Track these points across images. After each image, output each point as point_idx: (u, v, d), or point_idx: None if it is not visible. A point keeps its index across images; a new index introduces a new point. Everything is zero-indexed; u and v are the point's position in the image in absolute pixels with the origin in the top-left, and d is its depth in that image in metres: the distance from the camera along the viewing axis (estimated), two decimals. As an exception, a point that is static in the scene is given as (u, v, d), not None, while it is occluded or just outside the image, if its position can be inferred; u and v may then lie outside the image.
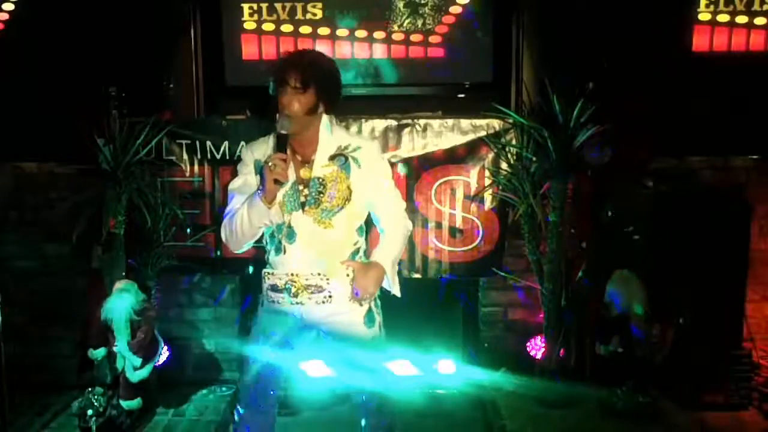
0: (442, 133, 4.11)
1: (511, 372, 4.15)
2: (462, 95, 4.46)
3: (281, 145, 2.56)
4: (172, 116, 4.14)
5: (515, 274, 4.16)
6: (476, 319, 4.36)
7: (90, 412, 3.63)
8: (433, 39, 4.41)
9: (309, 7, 4.37)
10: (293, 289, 2.67)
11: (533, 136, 3.91)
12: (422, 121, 4.11)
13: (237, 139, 4.02)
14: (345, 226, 2.68)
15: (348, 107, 4.23)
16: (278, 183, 2.52)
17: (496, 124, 4.06)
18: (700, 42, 4.33)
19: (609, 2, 4.15)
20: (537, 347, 4.08)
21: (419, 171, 4.11)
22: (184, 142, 4.10)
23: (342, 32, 4.40)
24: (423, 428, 3.75)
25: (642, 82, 4.07)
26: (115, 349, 3.68)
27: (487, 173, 4.09)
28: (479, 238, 4.12)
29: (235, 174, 2.77)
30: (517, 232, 4.08)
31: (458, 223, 4.13)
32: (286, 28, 4.40)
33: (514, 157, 4.02)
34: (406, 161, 4.11)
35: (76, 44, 4.17)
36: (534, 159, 3.93)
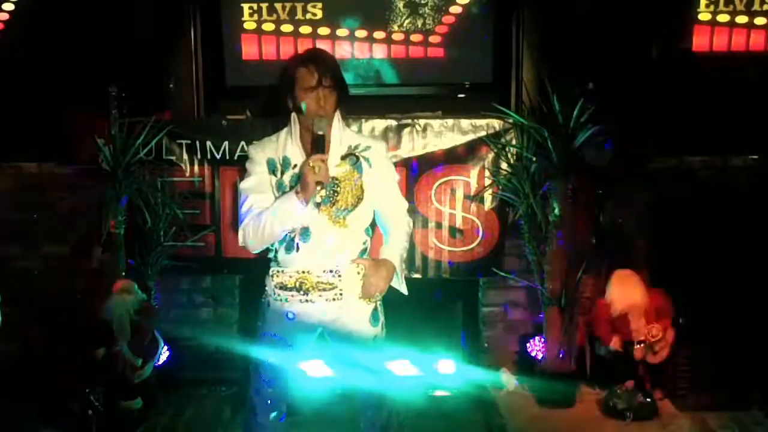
0: (442, 133, 4.11)
1: (511, 372, 4.15)
2: (462, 95, 4.46)
3: (319, 146, 2.56)
4: (172, 116, 4.15)
5: (515, 274, 4.17)
6: (476, 319, 4.36)
7: (90, 412, 3.63)
8: (433, 39, 4.41)
9: (309, 7, 4.37)
10: (304, 287, 2.68)
11: (533, 136, 3.91)
12: (422, 121, 4.11)
13: (237, 139, 4.01)
14: (357, 225, 2.71)
15: (348, 107, 4.24)
16: (320, 184, 2.52)
17: (496, 124, 4.06)
18: (700, 42, 4.34)
19: (609, 2, 4.15)
20: (537, 347, 4.08)
21: (419, 171, 4.11)
22: (184, 142, 4.10)
23: (342, 32, 4.40)
24: (423, 428, 3.74)
25: (642, 82, 4.08)
26: (115, 349, 3.68)
27: (487, 173, 4.09)
28: (479, 238, 4.12)
29: (236, 174, 2.78)
30: (517, 232, 4.08)
31: (458, 223, 4.13)
32: (286, 28, 4.40)
33: (514, 157, 4.03)
34: (406, 161, 4.11)
35: (76, 44, 4.17)
36: (534, 159, 3.93)
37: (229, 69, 4.46)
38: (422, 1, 4.39)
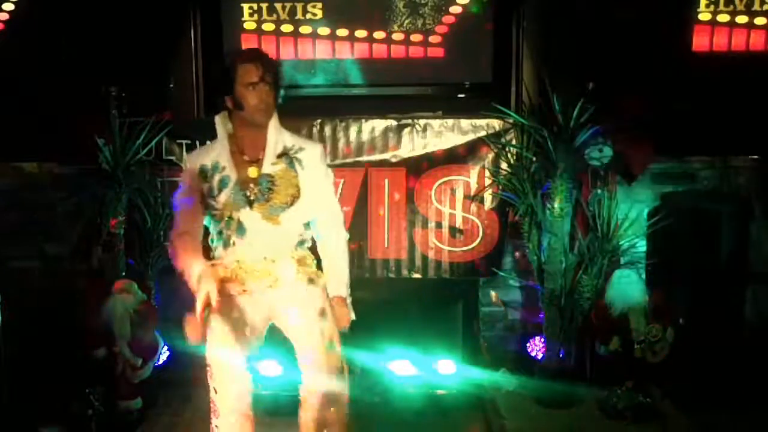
0: (442, 133, 4.11)
1: (511, 372, 4.15)
2: (462, 95, 4.46)
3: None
4: (172, 116, 4.14)
5: (515, 274, 4.16)
6: (476, 319, 4.36)
7: (90, 412, 3.63)
8: (433, 39, 4.41)
9: (309, 7, 4.37)
10: (240, 275, 2.72)
11: (533, 136, 3.91)
12: (422, 121, 4.12)
13: (237, 139, 4.02)
14: (292, 223, 2.75)
15: (348, 107, 4.25)
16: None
17: (496, 124, 4.06)
18: (700, 42, 4.33)
19: (609, 2, 4.15)
20: (537, 347, 4.08)
21: (419, 171, 4.11)
22: (184, 142, 4.10)
23: (342, 32, 4.40)
24: (423, 428, 3.75)
25: (642, 82, 4.07)
26: (115, 349, 3.68)
27: (487, 173, 4.09)
28: (479, 238, 4.12)
29: None
30: (517, 232, 4.08)
31: (458, 223, 4.13)
32: (286, 28, 4.40)
33: (514, 157, 4.03)
34: (406, 161, 4.11)
35: (76, 44, 4.17)
36: (534, 159, 3.93)
37: (230, 69, 4.45)
38: (422, 1, 4.39)
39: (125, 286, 3.74)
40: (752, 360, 3.87)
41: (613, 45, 4.06)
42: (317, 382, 2.75)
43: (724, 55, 4.33)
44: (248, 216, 2.70)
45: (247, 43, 4.40)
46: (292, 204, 2.72)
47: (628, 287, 3.81)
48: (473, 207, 4.11)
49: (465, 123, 4.09)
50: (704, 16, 4.32)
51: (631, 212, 4.09)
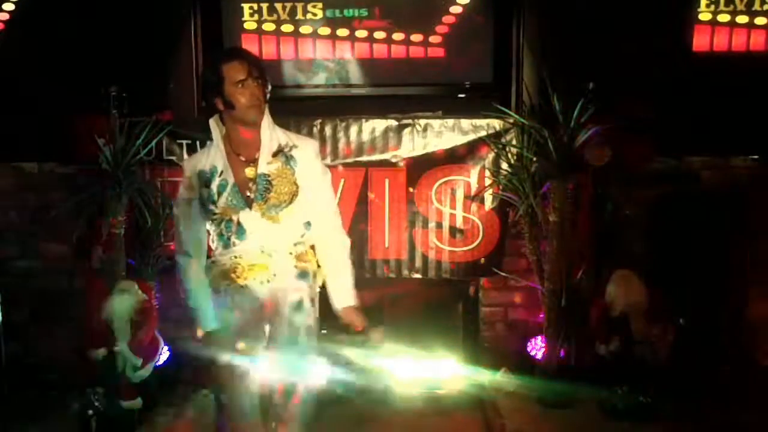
0: (442, 133, 4.12)
1: (511, 372, 4.15)
2: (462, 95, 4.46)
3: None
4: (172, 116, 4.14)
5: (515, 274, 4.16)
6: (476, 319, 4.36)
7: (90, 412, 3.63)
8: (433, 39, 4.41)
9: (309, 7, 4.37)
10: (238, 270, 2.73)
11: (533, 136, 3.91)
12: (422, 121, 4.12)
13: (237, 139, 4.03)
14: (293, 220, 2.75)
15: (348, 107, 4.25)
16: None
17: (496, 124, 4.06)
18: (700, 42, 4.33)
19: (609, 2, 4.15)
20: (537, 347, 4.07)
21: (419, 171, 4.11)
22: (184, 142, 4.10)
23: (342, 32, 4.40)
24: (423, 428, 3.75)
25: (642, 82, 4.07)
26: (115, 349, 3.68)
27: (487, 173, 4.09)
28: (479, 238, 4.12)
29: None
30: (517, 232, 4.08)
31: (458, 223, 4.13)
32: (287, 28, 4.40)
33: (515, 157, 4.02)
34: (407, 161, 4.11)
35: (76, 44, 4.17)
36: (534, 159, 3.93)
37: (230, 69, 4.45)
38: (422, 1, 4.39)
39: (125, 286, 3.74)
40: (752, 360, 3.87)
41: (613, 45, 4.06)
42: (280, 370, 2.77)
43: (724, 55, 4.33)
44: (248, 216, 2.71)
45: (248, 43, 4.40)
46: (291, 201, 2.72)
47: (628, 287, 3.81)
48: (473, 207, 4.11)
49: (465, 123, 4.10)
50: (704, 16, 4.32)
51: (630, 212, 4.08)
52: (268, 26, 4.41)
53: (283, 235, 2.75)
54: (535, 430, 3.67)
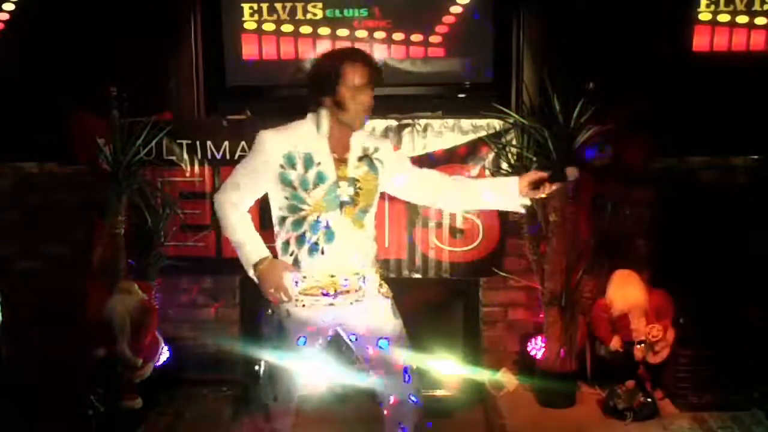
0: (442, 133, 4.11)
1: (511, 372, 4.15)
2: (462, 95, 4.46)
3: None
4: (172, 116, 4.14)
5: (515, 274, 4.16)
6: (476, 319, 4.36)
7: (90, 412, 3.63)
8: (433, 39, 4.41)
9: (309, 7, 4.37)
10: (332, 291, 2.65)
11: (533, 136, 3.91)
12: (422, 121, 4.12)
13: (237, 139, 4.03)
14: (371, 227, 2.74)
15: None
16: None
17: (496, 124, 4.06)
18: (700, 42, 4.33)
19: (609, 2, 4.15)
20: (537, 347, 4.07)
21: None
22: (184, 142, 4.10)
23: (342, 32, 4.40)
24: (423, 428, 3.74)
25: (642, 82, 4.07)
26: (115, 349, 3.68)
27: (487, 173, 4.09)
28: (479, 238, 4.12)
29: None
30: (517, 232, 4.08)
31: (458, 223, 4.13)
32: (287, 28, 4.40)
33: (515, 157, 4.02)
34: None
35: (77, 44, 4.17)
36: (534, 159, 3.93)
37: (230, 69, 4.46)
38: (422, 1, 4.38)
39: (125, 286, 3.74)
40: (752, 360, 3.86)
41: (613, 45, 4.06)
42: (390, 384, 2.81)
43: (724, 55, 4.33)
44: (337, 220, 2.62)
45: (248, 43, 4.40)
46: (371, 207, 2.71)
47: (628, 287, 3.81)
48: (473, 207, 4.11)
49: (465, 123, 4.09)
50: (704, 16, 4.32)
51: (631, 212, 4.08)
52: (268, 26, 4.41)
53: (368, 243, 2.71)
54: (535, 430, 3.67)
